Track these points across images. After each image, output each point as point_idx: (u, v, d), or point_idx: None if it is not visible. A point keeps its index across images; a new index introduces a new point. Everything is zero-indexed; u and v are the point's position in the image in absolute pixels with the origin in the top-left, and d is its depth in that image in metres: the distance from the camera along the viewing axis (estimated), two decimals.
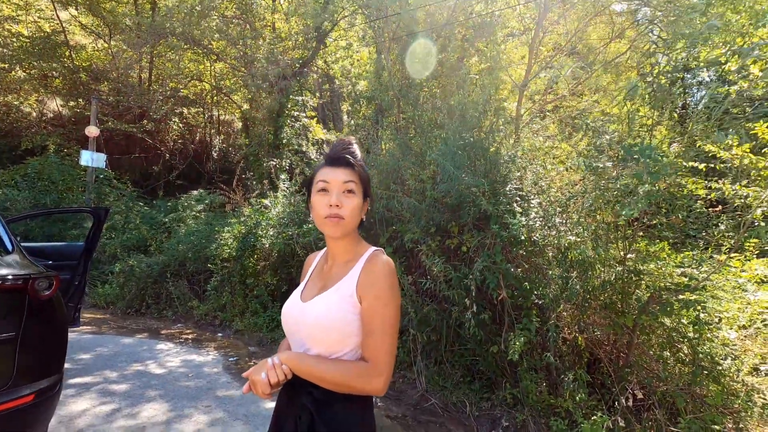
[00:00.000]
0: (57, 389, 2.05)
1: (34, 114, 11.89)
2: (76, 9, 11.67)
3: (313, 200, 1.08)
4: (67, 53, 11.10)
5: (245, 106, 12.09)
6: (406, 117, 5.36)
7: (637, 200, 2.59)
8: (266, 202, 6.41)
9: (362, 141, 6.35)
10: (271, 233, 5.73)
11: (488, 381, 3.53)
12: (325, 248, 1.20)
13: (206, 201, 8.53)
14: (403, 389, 3.77)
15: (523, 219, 3.28)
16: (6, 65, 10.28)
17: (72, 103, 11.74)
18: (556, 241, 3.22)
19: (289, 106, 9.64)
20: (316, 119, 11.08)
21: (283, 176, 6.64)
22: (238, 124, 14.41)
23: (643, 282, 3.08)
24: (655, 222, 3.18)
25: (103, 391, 3.25)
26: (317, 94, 12.40)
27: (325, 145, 9.58)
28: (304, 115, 10.57)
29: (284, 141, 9.50)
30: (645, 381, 3.00)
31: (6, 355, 1.82)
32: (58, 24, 11.31)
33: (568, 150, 4.36)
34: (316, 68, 11.71)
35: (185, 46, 10.35)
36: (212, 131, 14.89)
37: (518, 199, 3.51)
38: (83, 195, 8.64)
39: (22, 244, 3.95)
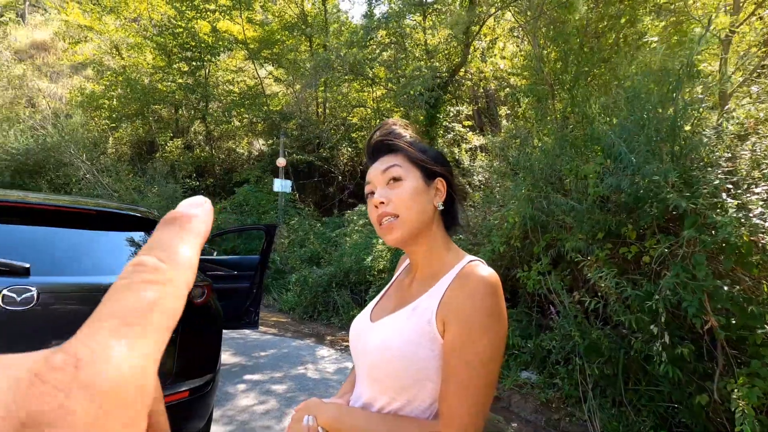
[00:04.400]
0: (210, 388, 2.27)
1: (245, 153, 14.91)
2: (271, 65, 14.28)
3: (367, 210, 0.84)
4: (265, 102, 13.61)
5: None
6: (563, 106, 4.60)
7: None
8: None
9: (517, 144, 5.77)
10: None
11: None
12: None
13: (367, 216, 9.12)
14: (569, 430, 3.08)
15: (740, 215, 2.31)
16: (226, 117, 13.21)
17: (270, 141, 14.31)
18: None
19: (440, 117, 9.61)
20: (471, 126, 10.79)
21: None
22: None
23: None
24: None
25: (265, 390, 3.60)
26: (472, 102, 12.11)
27: (479, 151, 9.18)
28: (459, 125, 10.41)
29: None
30: None
31: (168, 354, 2.09)
32: (258, 80, 14.01)
33: None
34: (469, 75, 11.47)
35: (349, 78, 11.50)
36: None
37: (729, 188, 2.51)
38: (276, 216, 10.31)
39: (219, 257, 4.81)
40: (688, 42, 3.95)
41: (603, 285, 2.69)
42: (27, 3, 24.91)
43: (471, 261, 0.78)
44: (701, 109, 3.18)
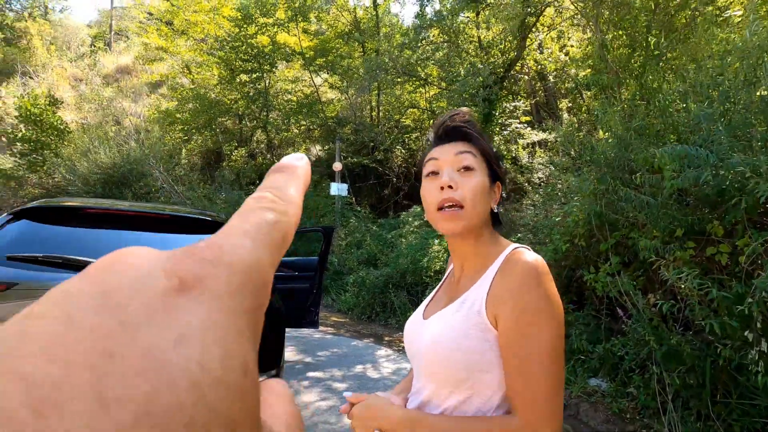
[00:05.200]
0: None
1: None
2: (326, 73, 14.74)
3: (422, 190, 0.81)
4: (321, 108, 14.06)
5: None
6: (631, 94, 4.27)
7: None
8: None
9: (580, 138, 5.46)
10: None
11: None
12: None
13: (422, 216, 9.09)
14: None
15: None
16: (285, 126, 13.82)
17: (326, 146, 14.74)
18: None
19: (496, 113, 9.35)
20: (529, 122, 10.39)
21: None
22: None
23: None
24: None
25: (327, 387, 3.70)
26: (529, 96, 11.66)
27: (537, 147, 8.81)
28: (516, 120, 10.07)
29: (495, 150, 9.23)
30: None
31: None
32: (314, 88, 14.51)
33: None
34: (526, 69, 11.06)
35: (401, 80, 11.56)
36: None
37: None
38: (333, 219, 10.59)
39: (282, 258, 5.03)
40: None
41: (684, 286, 2.46)
42: (112, 32, 27.83)
43: (515, 248, 0.76)
44: None
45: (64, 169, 12.63)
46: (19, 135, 13.75)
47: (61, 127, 14.12)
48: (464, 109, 0.85)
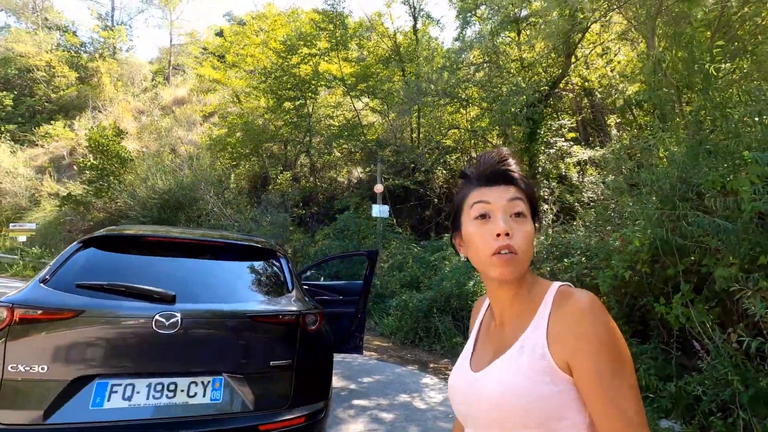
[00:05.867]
0: (324, 414, 2.32)
1: (345, 182, 15.75)
2: (367, 97, 15.08)
3: (467, 232, 0.79)
4: (361, 132, 14.33)
5: (498, 142, 12.26)
6: (694, 109, 3.99)
7: None
8: None
9: (637, 156, 5.16)
10: None
11: None
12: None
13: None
14: None
15: None
16: (327, 150, 14.18)
17: (367, 169, 14.93)
18: None
19: (541, 132, 9.11)
20: (575, 139, 10.03)
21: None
22: None
23: None
24: None
25: (374, 417, 3.60)
26: (575, 113, 11.30)
27: (587, 165, 8.44)
28: (562, 139, 9.75)
29: (540, 169, 8.96)
30: None
31: (285, 379, 2.19)
32: (355, 112, 14.85)
33: None
34: (571, 86, 10.76)
35: (442, 102, 11.59)
36: None
37: None
38: (375, 241, 10.60)
39: (325, 282, 5.05)
40: None
41: None
42: (170, 67, 30.11)
43: (560, 285, 0.76)
44: None
45: (126, 194, 13.56)
46: (88, 164, 14.98)
47: (125, 155, 15.26)
48: (505, 149, 0.83)
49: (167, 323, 1.95)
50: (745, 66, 4.33)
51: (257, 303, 2.28)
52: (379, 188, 11.03)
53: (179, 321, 1.97)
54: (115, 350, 1.93)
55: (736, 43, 4.47)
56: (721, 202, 2.88)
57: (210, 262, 2.46)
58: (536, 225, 0.80)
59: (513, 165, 0.80)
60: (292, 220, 12.21)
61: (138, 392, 1.89)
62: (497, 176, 0.79)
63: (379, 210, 10.52)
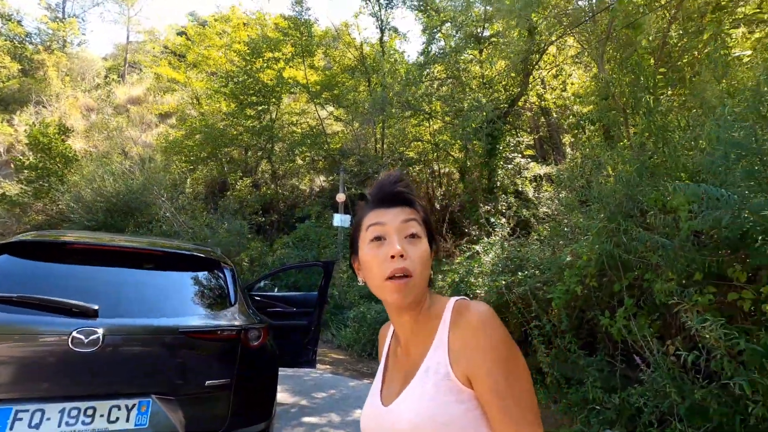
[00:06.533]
0: None
1: (307, 190, 15.52)
2: (331, 106, 15.00)
3: (363, 256, 0.77)
4: (325, 140, 14.20)
5: (460, 156, 12.51)
6: (638, 132, 4.21)
7: None
8: (477, 247, 6.12)
9: (588, 174, 5.37)
10: (482, 281, 5.34)
11: None
12: None
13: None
14: None
15: None
16: (290, 157, 13.94)
17: (330, 177, 14.79)
18: None
19: (500, 148, 9.37)
20: (533, 156, 10.40)
21: (493, 219, 6.27)
22: (456, 174, 15.05)
23: None
24: None
25: None
26: (533, 131, 11.75)
27: (543, 181, 8.74)
28: (519, 155, 10.07)
29: (498, 184, 9.19)
30: None
31: (223, 400, 2.04)
32: (319, 120, 14.73)
33: None
34: (529, 104, 11.18)
35: (407, 114, 11.71)
36: (434, 184, 16.02)
37: None
38: (335, 250, 10.43)
39: (279, 293, 4.86)
40: None
41: (708, 336, 2.28)
42: (126, 65, 28.76)
43: (456, 300, 0.75)
44: None
45: (69, 196, 12.66)
46: (27, 162, 13.90)
47: (69, 155, 14.28)
48: (399, 172, 0.84)
49: (86, 340, 1.76)
50: (683, 94, 4.63)
51: (194, 317, 2.12)
52: (341, 197, 10.91)
53: (101, 338, 1.78)
54: (23, 371, 1.72)
55: (677, 73, 4.78)
56: (661, 219, 3.02)
57: (144, 273, 2.27)
58: (433, 248, 0.79)
59: (408, 187, 0.80)
60: (251, 227, 11.81)
61: (48, 419, 1.68)
62: (392, 198, 0.79)
63: (341, 219, 10.39)
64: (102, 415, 1.76)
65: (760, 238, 2.28)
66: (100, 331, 1.79)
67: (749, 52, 3.79)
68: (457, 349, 0.69)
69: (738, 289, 2.50)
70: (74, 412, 1.73)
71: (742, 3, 4.14)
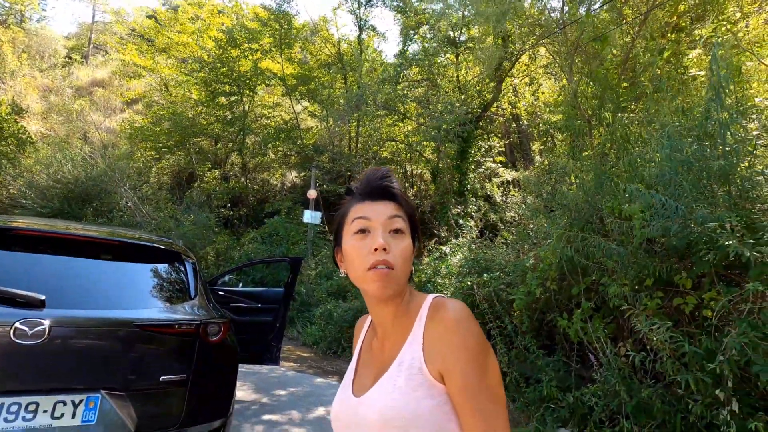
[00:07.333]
0: None
1: (278, 185, 15.26)
2: (306, 101, 14.82)
3: (346, 248, 0.78)
4: (299, 135, 14.03)
5: (432, 158, 12.64)
6: (601, 142, 4.39)
7: None
8: (445, 249, 6.21)
9: (553, 181, 5.55)
10: (449, 282, 5.43)
11: None
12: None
13: None
14: None
15: None
16: (261, 150, 13.67)
17: (302, 174, 14.62)
18: None
19: (472, 152, 9.54)
20: (503, 162, 10.65)
21: (462, 221, 6.38)
22: (428, 176, 15.20)
23: None
24: None
25: None
26: (504, 137, 12.03)
27: (511, 186, 8.97)
28: (490, 159, 10.29)
29: (468, 187, 9.35)
30: None
31: (178, 396, 1.98)
32: (293, 115, 14.52)
33: None
34: (501, 111, 11.44)
35: (381, 113, 11.72)
36: (406, 185, 16.12)
37: None
38: (305, 247, 10.32)
39: (243, 289, 4.77)
40: (737, 75, 3.71)
41: (655, 339, 2.41)
42: (91, 45, 27.38)
43: (434, 298, 0.76)
44: (758, 148, 2.92)
45: (22, 181, 11.94)
46: None
47: (23, 137, 13.47)
48: (387, 167, 0.84)
49: (30, 332, 1.66)
50: (644, 109, 4.86)
51: (151, 310, 2.04)
52: (312, 194, 10.80)
53: (47, 329, 1.69)
54: None
55: (639, 88, 5.02)
56: (617, 226, 3.16)
57: (99, 263, 2.17)
58: (416, 245, 0.80)
59: (394, 182, 0.81)
60: (218, 221, 11.51)
61: None
62: (379, 192, 0.79)
63: (311, 216, 10.28)
64: (45, 411, 1.68)
65: (704, 247, 2.42)
66: (47, 322, 1.70)
67: (703, 72, 4.04)
68: (431, 345, 0.70)
69: (683, 295, 2.65)
70: (14, 408, 1.63)
71: (699, 25, 4.41)
